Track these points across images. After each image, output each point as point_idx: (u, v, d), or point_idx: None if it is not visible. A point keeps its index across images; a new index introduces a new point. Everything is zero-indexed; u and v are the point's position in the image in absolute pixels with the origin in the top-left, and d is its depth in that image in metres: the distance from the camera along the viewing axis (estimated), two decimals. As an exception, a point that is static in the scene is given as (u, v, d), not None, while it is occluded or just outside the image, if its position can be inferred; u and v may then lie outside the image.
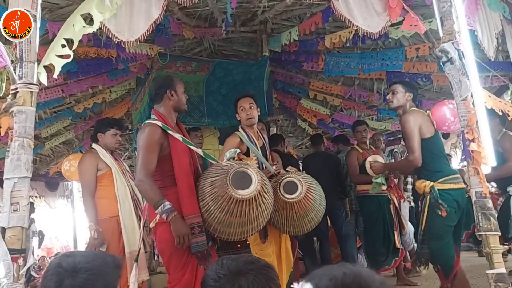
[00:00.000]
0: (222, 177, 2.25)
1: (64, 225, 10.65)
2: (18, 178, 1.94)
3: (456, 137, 6.58)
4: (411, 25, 2.81)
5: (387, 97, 3.20)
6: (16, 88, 2.02)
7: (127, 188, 3.18)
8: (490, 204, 2.30)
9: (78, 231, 8.16)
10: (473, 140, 2.33)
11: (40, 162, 7.42)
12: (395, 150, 6.32)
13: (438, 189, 2.80)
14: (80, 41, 2.38)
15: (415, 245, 4.37)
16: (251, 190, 2.25)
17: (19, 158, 1.96)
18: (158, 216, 2.30)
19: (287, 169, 3.12)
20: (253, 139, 3.00)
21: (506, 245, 3.31)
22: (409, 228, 4.72)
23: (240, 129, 3.04)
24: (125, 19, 2.51)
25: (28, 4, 2.08)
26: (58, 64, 2.21)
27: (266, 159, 3.03)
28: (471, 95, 2.37)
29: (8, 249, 1.89)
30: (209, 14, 4.20)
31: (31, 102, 2.04)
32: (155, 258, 6.55)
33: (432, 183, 2.83)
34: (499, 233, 2.30)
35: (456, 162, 7.07)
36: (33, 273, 6.56)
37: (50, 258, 8.25)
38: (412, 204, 5.37)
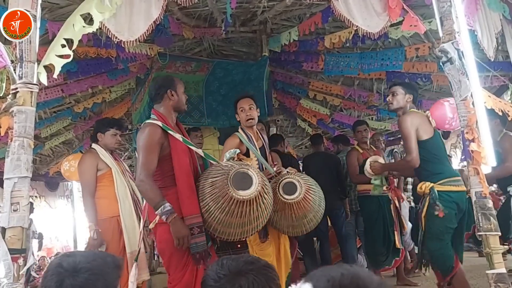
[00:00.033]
0: (222, 177, 2.25)
1: (64, 225, 10.66)
2: (18, 178, 1.94)
3: (456, 137, 6.56)
4: (411, 25, 2.81)
5: (387, 99, 3.18)
6: (16, 88, 2.03)
7: (127, 188, 3.18)
8: (490, 204, 2.30)
9: (78, 231, 8.15)
10: (473, 140, 2.33)
11: (40, 162, 7.42)
12: (395, 150, 6.33)
13: (438, 191, 2.77)
14: (80, 41, 2.38)
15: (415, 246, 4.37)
16: (252, 191, 2.25)
17: (19, 158, 1.96)
18: (158, 217, 2.29)
19: (287, 169, 3.12)
20: (252, 140, 2.99)
21: (506, 245, 3.31)
22: (409, 228, 4.72)
23: (239, 130, 3.04)
24: (125, 19, 2.51)
25: (28, 4, 2.08)
26: (58, 64, 2.21)
27: (266, 159, 3.03)
28: (471, 95, 2.37)
29: (8, 249, 1.88)
30: (208, 14, 4.20)
31: (31, 102, 2.04)
32: (155, 258, 6.55)
33: (432, 184, 2.81)
34: (499, 233, 2.30)
35: (456, 162, 7.08)
36: (33, 273, 6.54)
37: (50, 258, 8.25)
38: (412, 204, 5.37)
